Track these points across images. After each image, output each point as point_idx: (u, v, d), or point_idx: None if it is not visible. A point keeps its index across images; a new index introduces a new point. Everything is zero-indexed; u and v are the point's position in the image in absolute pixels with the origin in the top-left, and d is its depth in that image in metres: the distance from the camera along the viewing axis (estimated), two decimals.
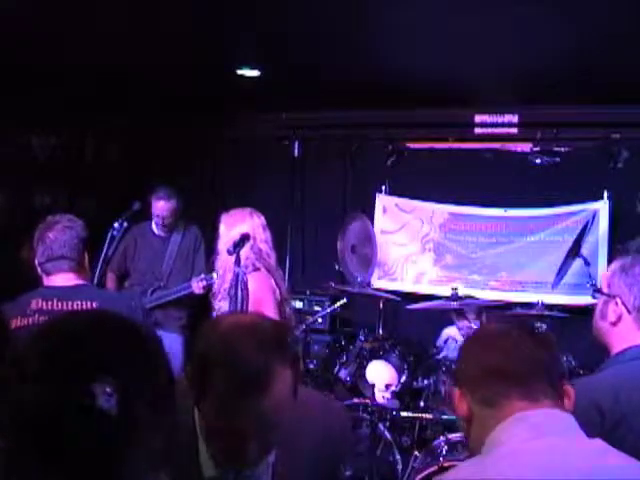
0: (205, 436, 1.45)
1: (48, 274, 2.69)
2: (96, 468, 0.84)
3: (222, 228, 3.53)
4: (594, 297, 2.04)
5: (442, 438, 3.76)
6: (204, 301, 4.79)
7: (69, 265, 2.68)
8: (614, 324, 1.90)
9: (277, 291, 3.39)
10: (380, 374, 4.17)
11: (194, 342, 1.46)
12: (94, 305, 2.59)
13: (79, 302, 2.60)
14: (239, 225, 3.46)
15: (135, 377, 0.88)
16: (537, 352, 1.38)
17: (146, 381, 0.90)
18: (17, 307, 2.55)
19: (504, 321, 1.61)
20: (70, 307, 2.60)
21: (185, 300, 4.79)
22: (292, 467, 1.53)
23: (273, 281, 3.39)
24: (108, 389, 0.83)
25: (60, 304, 2.59)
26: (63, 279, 2.68)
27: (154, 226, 4.89)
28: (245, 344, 1.37)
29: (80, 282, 2.71)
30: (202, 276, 4.57)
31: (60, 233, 2.68)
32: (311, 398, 1.68)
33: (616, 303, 1.90)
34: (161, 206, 4.74)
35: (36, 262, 2.71)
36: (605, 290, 1.95)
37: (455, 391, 1.44)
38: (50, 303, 2.59)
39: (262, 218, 3.57)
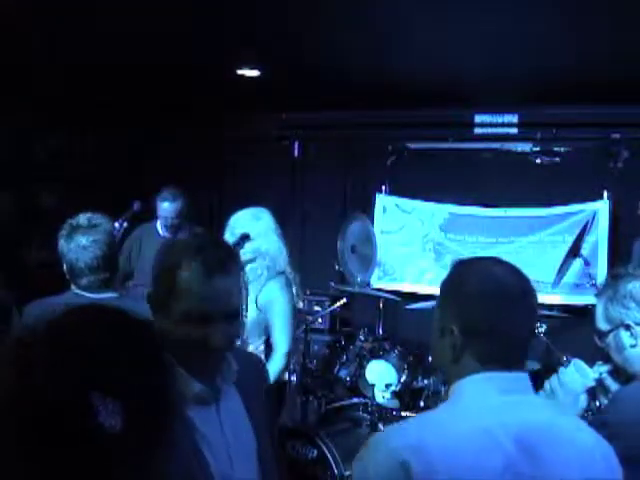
0: (182, 356, 1.48)
1: None
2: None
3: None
4: (602, 342, 2.09)
5: None
6: None
7: None
8: (634, 346, 1.98)
9: None
10: (380, 374, 4.17)
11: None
12: None
13: None
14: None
15: (140, 393, 0.84)
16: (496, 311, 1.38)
17: (151, 397, 0.85)
18: None
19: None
20: None
21: None
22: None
23: None
24: (110, 405, 0.79)
25: None
26: None
27: (159, 227, 4.89)
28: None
29: None
30: None
31: None
32: None
33: (626, 328, 1.98)
34: (166, 207, 4.73)
35: None
36: (607, 328, 2.02)
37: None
38: None
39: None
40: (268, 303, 3.31)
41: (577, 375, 2.00)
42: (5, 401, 0.81)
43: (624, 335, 1.98)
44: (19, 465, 0.79)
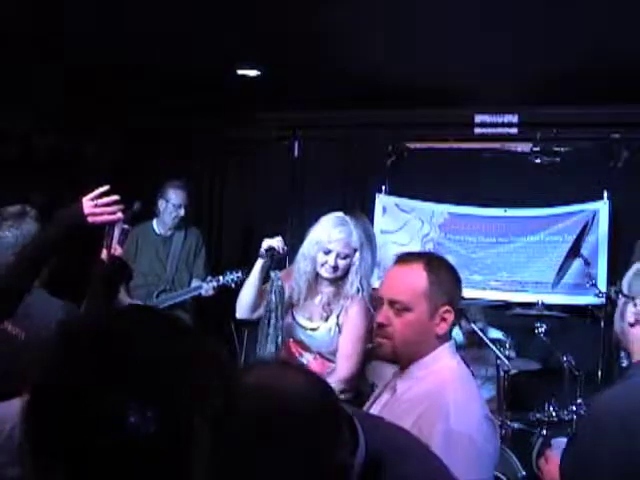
0: None
1: None
2: None
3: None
4: (617, 297, 2.09)
5: None
6: (208, 301, 4.80)
7: None
8: (632, 325, 1.95)
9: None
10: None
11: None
12: None
13: None
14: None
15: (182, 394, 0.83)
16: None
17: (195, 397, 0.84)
18: None
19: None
20: None
21: (189, 301, 4.81)
22: None
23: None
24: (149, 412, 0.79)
25: None
26: None
27: (155, 226, 4.89)
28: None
29: None
30: (210, 277, 4.65)
31: None
32: None
33: (634, 304, 1.95)
34: (181, 194, 4.78)
35: None
36: (625, 291, 2.00)
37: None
38: None
39: None
40: (345, 323, 3.06)
41: None
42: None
43: (629, 309, 1.96)
44: (50, 466, 0.80)
